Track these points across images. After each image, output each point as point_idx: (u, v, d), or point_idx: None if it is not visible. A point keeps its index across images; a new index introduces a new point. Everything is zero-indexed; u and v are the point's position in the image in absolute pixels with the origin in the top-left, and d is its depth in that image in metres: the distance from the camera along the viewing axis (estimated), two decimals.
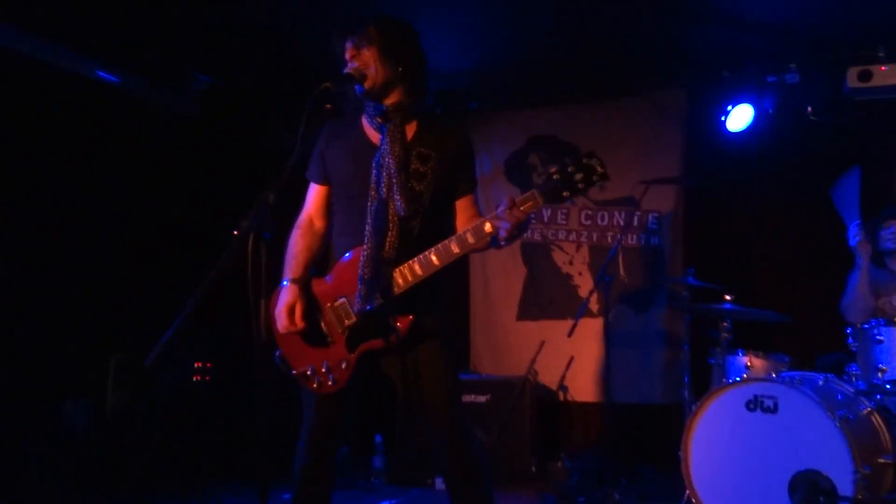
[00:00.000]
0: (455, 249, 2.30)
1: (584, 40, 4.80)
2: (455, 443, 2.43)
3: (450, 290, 2.65)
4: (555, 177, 2.17)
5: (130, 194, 4.94)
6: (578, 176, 2.16)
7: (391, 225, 2.37)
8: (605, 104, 5.54)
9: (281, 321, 2.42)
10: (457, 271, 5.82)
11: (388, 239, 2.36)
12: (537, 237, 5.69)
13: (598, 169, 2.16)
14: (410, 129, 2.46)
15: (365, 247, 2.37)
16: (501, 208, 2.22)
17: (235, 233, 1.92)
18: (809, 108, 4.86)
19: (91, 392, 4.50)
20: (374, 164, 2.40)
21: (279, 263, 2.50)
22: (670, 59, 5.04)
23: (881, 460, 3.31)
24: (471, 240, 2.28)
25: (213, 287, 1.96)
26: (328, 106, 2.24)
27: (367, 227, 2.37)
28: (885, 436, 3.44)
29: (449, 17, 4.46)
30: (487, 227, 2.26)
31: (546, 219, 5.67)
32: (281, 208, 2.01)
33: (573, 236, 5.62)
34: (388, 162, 2.37)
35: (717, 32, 4.60)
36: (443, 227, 2.48)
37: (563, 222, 5.65)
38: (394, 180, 2.36)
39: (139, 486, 4.49)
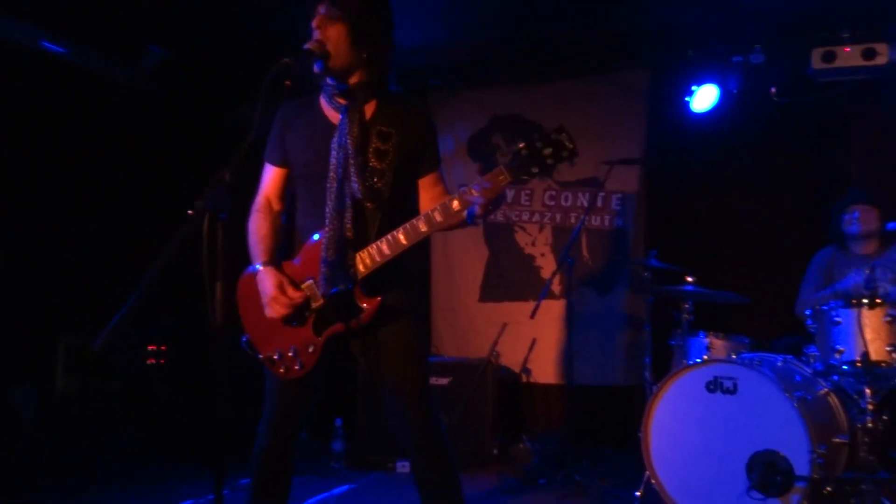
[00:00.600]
0: (423, 228, 2.27)
1: (547, 18, 4.75)
2: (422, 426, 2.41)
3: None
4: (523, 152, 2.13)
5: (80, 172, 4.78)
6: (547, 151, 2.12)
7: (350, 206, 2.32)
8: (570, 83, 5.51)
9: (279, 302, 2.33)
10: (418, 253, 5.76)
11: (348, 220, 2.32)
12: (500, 218, 5.65)
13: (568, 144, 2.12)
14: (370, 108, 2.40)
15: (326, 229, 2.32)
16: (476, 185, 2.18)
17: (190, 212, 1.85)
18: (773, 90, 4.88)
19: (39, 377, 4.37)
20: (332, 146, 2.34)
21: (236, 244, 2.42)
22: (635, 37, 5.02)
23: (836, 440, 3.37)
24: (438, 218, 2.25)
25: (166, 268, 1.88)
26: (287, 83, 2.16)
27: (328, 210, 2.32)
28: (841, 416, 3.51)
29: None
30: (455, 204, 2.23)
31: (509, 199, 5.63)
32: (238, 187, 1.93)
33: (536, 217, 5.60)
34: (346, 143, 2.32)
35: (681, 10, 4.59)
36: (407, 206, 2.44)
37: (527, 203, 5.62)
38: (350, 161, 2.31)
39: (90, 473, 4.39)
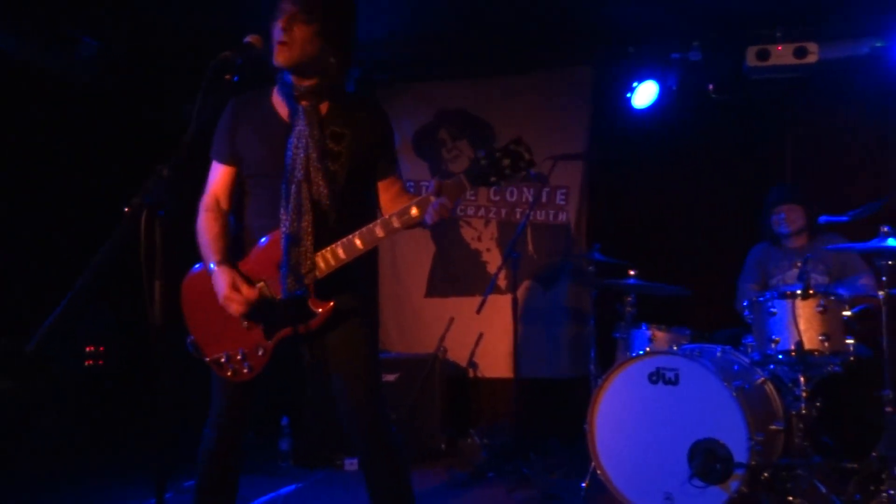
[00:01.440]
0: (379, 233, 2.26)
1: (492, 14, 4.77)
2: (373, 424, 2.39)
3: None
4: (482, 162, 2.17)
5: (12, 166, 4.60)
6: (506, 162, 2.16)
7: (308, 207, 2.28)
8: (515, 78, 5.54)
9: (235, 301, 2.28)
10: (371, 254, 5.72)
11: (306, 222, 2.28)
12: None
13: (526, 156, 2.17)
14: (323, 108, 2.36)
15: (284, 231, 2.27)
16: (431, 193, 2.19)
17: (128, 209, 1.80)
18: (711, 86, 5.01)
19: None
20: (288, 145, 2.29)
21: (175, 241, 2.36)
22: (578, 33, 5.07)
23: (773, 427, 3.49)
24: (396, 224, 2.24)
25: (103, 267, 1.83)
26: (228, 76, 2.12)
27: (283, 211, 2.28)
28: (777, 404, 3.63)
29: None
30: (414, 211, 2.23)
31: None
32: (178, 183, 1.89)
33: (482, 212, 5.63)
34: (307, 144, 2.28)
35: (621, 8, 4.66)
36: (362, 207, 2.41)
37: (472, 198, 5.63)
38: (313, 163, 2.27)
39: (29, 477, 4.25)
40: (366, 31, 4.97)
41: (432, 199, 2.20)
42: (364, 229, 2.26)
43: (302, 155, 2.28)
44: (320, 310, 2.28)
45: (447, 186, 2.19)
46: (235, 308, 2.29)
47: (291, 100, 2.33)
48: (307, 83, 2.30)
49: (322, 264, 2.28)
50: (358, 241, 2.26)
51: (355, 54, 2.39)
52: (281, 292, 2.29)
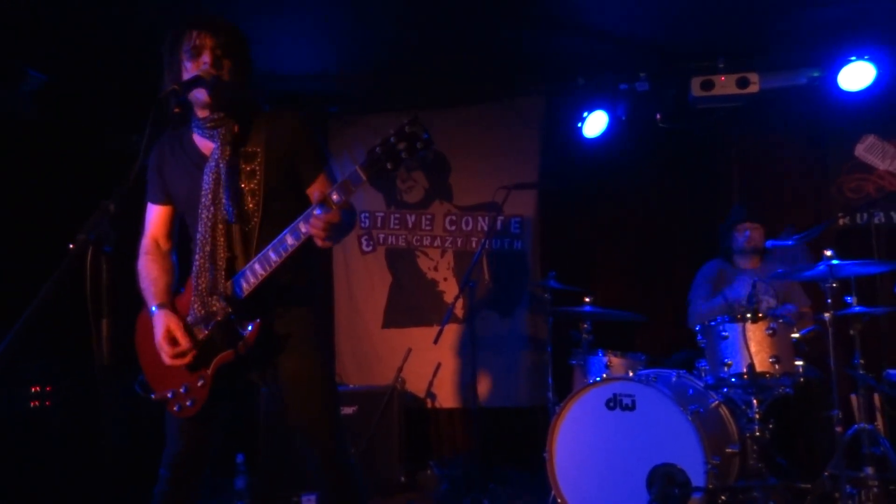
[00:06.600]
0: (290, 241, 2.19)
1: (442, 46, 4.82)
2: (329, 461, 2.35)
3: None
4: (377, 150, 2.07)
5: None
6: (401, 145, 2.06)
7: (221, 230, 2.27)
8: (467, 110, 5.58)
9: (164, 351, 2.28)
10: (318, 276, 5.63)
11: (220, 246, 2.27)
12: (402, 243, 5.65)
13: (421, 135, 2.06)
14: (236, 129, 2.34)
15: (196, 257, 2.28)
16: (318, 208, 2.11)
17: (72, 246, 1.76)
18: (658, 116, 5.13)
19: None
20: (205, 174, 2.29)
21: (122, 278, 2.32)
22: (529, 65, 5.16)
23: (728, 450, 3.53)
24: (303, 229, 2.17)
25: (46, 305, 1.78)
26: (176, 109, 2.10)
27: (198, 235, 2.28)
28: (732, 427, 3.67)
29: (308, 19, 4.35)
30: (317, 212, 2.13)
31: (411, 224, 5.64)
32: (124, 219, 1.85)
33: (438, 242, 5.63)
34: (220, 167, 2.27)
35: (571, 41, 4.75)
36: (289, 222, 2.31)
37: (428, 228, 5.64)
38: (222, 185, 2.27)
39: None
40: (317, 65, 5.02)
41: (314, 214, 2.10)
42: (276, 239, 2.21)
43: (213, 179, 2.28)
44: (248, 329, 2.24)
45: (343, 185, 2.11)
46: (165, 359, 2.29)
47: (206, 130, 2.32)
48: (221, 113, 2.30)
49: (244, 284, 2.25)
50: (271, 253, 2.21)
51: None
52: (199, 320, 2.27)
